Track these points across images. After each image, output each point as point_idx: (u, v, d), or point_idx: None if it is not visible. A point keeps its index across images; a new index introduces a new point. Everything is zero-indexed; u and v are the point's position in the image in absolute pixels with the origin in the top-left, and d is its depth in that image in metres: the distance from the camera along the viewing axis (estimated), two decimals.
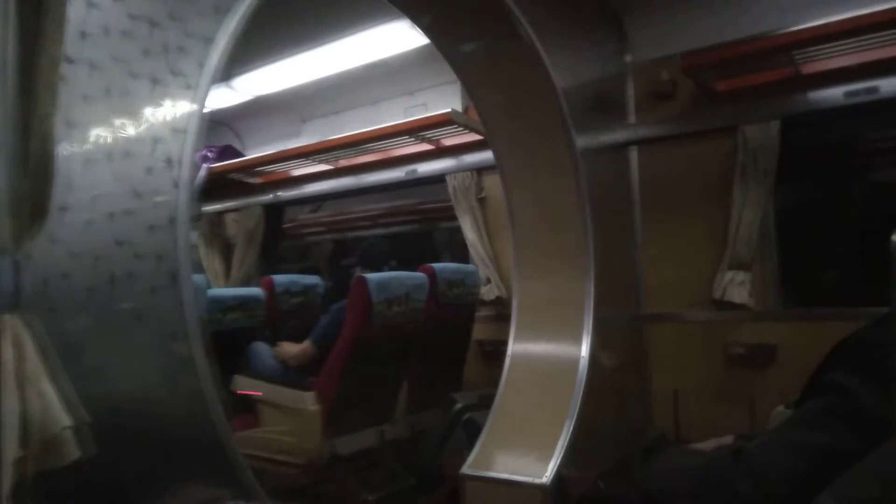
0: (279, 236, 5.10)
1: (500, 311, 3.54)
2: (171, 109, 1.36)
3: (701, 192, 3.01)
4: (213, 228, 5.09)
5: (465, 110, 3.53)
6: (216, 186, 4.74)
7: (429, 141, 3.76)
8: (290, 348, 3.27)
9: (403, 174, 4.03)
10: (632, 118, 3.17)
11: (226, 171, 4.52)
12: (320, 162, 4.27)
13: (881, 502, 0.88)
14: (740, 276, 2.86)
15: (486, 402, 2.64)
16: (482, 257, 3.69)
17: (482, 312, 3.61)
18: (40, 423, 0.99)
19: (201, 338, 1.38)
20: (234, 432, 1.61)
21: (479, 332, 3.56)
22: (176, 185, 1.36)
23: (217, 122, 4.74)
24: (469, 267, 3.55)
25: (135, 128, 1.29)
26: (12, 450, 0.95)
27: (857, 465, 0.93)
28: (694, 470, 1.32)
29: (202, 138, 1.42)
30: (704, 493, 1.25)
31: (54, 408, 1.01)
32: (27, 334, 1.01)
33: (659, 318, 3.12)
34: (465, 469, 2.28)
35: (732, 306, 2.88)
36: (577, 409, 2.32)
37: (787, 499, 1.10)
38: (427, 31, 2.45)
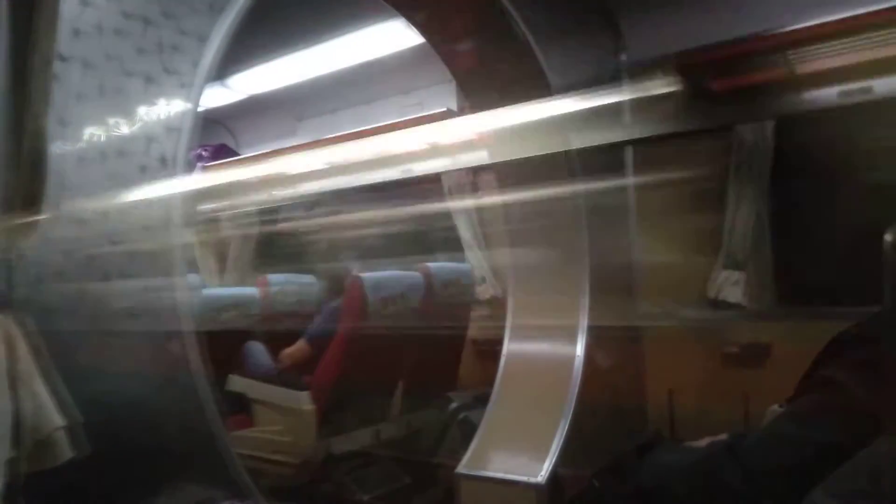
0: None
1: (496, 311, 3.54)
2: (166, 108, 1.35)
3: (695, 191, 3.01)
4: (208, 228, 5.06)
5: (461, 109, 3.53)
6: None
7: (424, 140, 3.75)
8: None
9: (399, 173, 4.03)
10: (627, 117, 3.17)
11: (220, 169, 4.50)
12: (315, 161, 4.25)
13: (871, 495, 0.88)
14: (735, 275, 2.86)
15: (481, 402, 2.64)
16: (477, 256, 3.69)
17: (477, 312, 3.61)
18: (33, 423, 0.99)
19: (196, 337, 1.37)
20: (229, 432, 1.60)
21: (475, 331, 3.56)
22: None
23: (212, 121, 4.73)
24: (464, 266, 3.55)
25: (129, 126, 1.29)
26: (4, 450, 0.94)
27: (849, 461, 0.94)
28: (688, 467, 1.33)
29: (196, 137, 1.42)
30: (698, 490, 1.25)
31: (47, 408, 1.00)
32: (20, 334, 1.01)
33: (654, 318, 3.12)
34: (460, 468, 2.28)
35: (727, 305, 2.89)
36: (571, 409, 2.32)
37: (780, 494, 1.10)
38: (422, 29, 2.45)
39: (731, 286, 2.87)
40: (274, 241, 5.11)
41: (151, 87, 1.33)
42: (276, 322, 3.79)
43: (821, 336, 1.26)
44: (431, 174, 3.87)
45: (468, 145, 3.66)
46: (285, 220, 5.20)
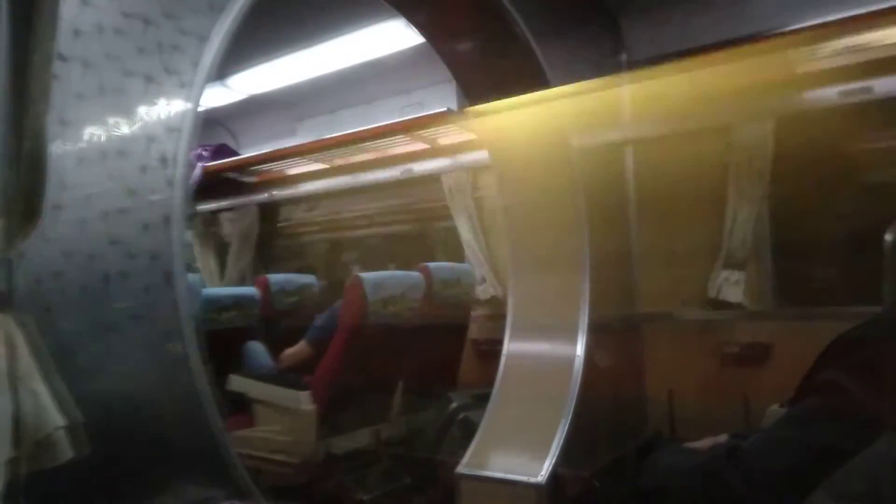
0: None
1: (496, 311, 3.54)
2: (166, 108, 1.35)
3: (696, 191, 3.01)
4: (208, 227, 5.07)
5: (461, 109, 3.52)
6: (211, 185, 4.72)
7: (424, 140, 3.75)
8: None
9: (399, 173, 4.03)
10: (627, 117, 3.17)
11: (221, 169, 4.51)
12: (316, 161, 4.26)
13: (871, 497, 0.88)
14: (735, 275, 2.86)
15: (481, 402, 2.64)
16: (478, 256, 3.69)
17: (478, 312, 3.61)
18: (33, 423, 0.98)
19: (196, 337, 1.37)
20: (229, 432, 1.60)
21: (475, 331, 3.56)
22: (170, 183, 1.35)
23: (212, 121, 4.73)
24: (464, 266, 3.55)
25: (129, 126, 1.29)
26: (5, 450, 0.94)
27: (849, 463, 0.94)
28: (689, 468, 1.33)
29: (197, 137, 1.42)
30: (699, 491, 1.25)
31: (47, 408, 1.00)
32: (20, 334, 1.01)
33: (654, 318, 3.12)
34: (461, 468, 2.28)
35: (727, 305, 2.89)
36: (572, 409, 2.32)
37: (781, 496, 1.10)
38: (422, 29, 2.45)
39: (731, 286, 2.87)
40: (274, 240, 5.12)
41: (152, 86, 1.33)
42: (276, 322, 3.80)
43: (821, 337, 1.26)
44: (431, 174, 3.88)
45: (468, 145, 3.66)
46: (285, 219, 5.22)
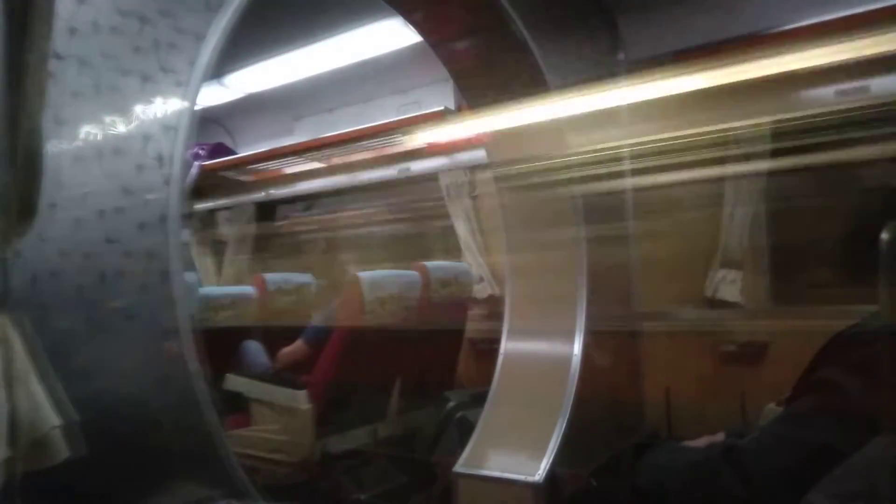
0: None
1: (493, 310, 3.54)
2: (162, 106, 1.35)
3: (693, 190, 3.02)
4: (205, 226, 5.06)
5: (458, 108, 3.52)
6: (208, 184, 4.72)
7: (422, 139, 3.75)
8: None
9: (396, 172, 4.03)
10: (625, 116, 3.17)
11: (217, 168, 4.50)
12: (313, 160, 4.25)
13: (868, 497, 0.88)
14: (732, 274, 2.87)
15: (478, 401, 2.64)
16: (475, 255, 3.68)
17: (475, 311, 3.61)
18: (29, 422, 0.98)
19: (192, 336, 1.37)
20: (226, 431, 1.60)
21: (472, 330, 3.56)
22: (167, 182, 1.35)
23: (209, 120, 4.72)
24: (462, 265, 3.55)
25: (125, 125, 1.28)
26: (1, 450, 0.94)
27: (846, 462, 0.94)
28: (685, 467, 1.33)
29: (193, 136, 1.42)
30: (696, 490, 1.25)
31: (43, 407, 1.00)
32: (15, 333, 1.00)
33: (651, 317, 3.12)
34: (458, 467, 2.28)
35: (724, 304, 2.89)
36: (569, 407, 2.32)
37: (777, 496, 1.10)
38: (419, 28, 2.45)
39: (728, 285, 2.87)
40: (271, 239, 5.11)
41: (148, 85, 1.33)
42: (272, 321, 3.79)
43: (818, 335, 1.26)
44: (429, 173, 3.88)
45: (466, 144, 3.66)
46: (282, 218, 5.21)
